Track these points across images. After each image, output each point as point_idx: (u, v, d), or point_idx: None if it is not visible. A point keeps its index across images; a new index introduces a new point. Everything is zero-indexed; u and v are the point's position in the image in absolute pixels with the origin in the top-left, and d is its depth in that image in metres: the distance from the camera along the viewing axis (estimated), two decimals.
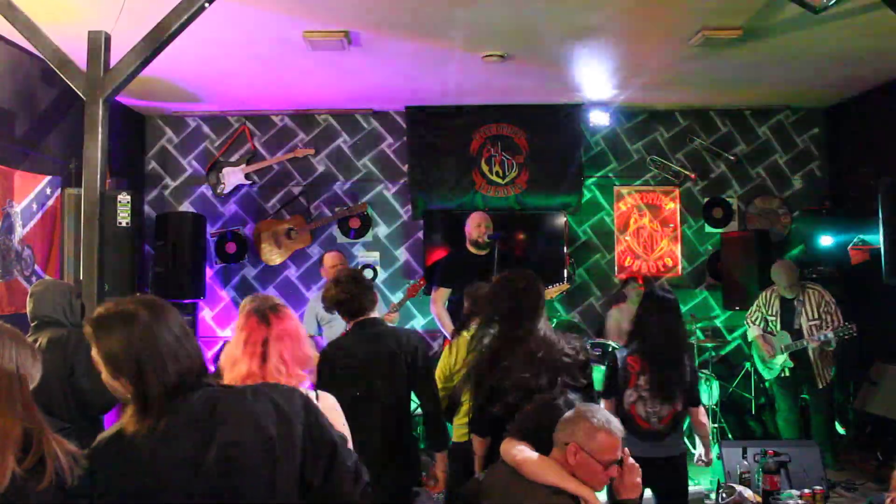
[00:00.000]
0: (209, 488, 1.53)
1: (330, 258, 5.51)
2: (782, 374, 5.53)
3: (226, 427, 1.56)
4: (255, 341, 2.21)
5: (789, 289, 5.46)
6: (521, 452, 2.33)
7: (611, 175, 6.93)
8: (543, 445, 2.36)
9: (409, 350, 3.12)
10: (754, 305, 5.70)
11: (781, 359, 5.46)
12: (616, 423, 2.33)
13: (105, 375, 1.60)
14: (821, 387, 5.44)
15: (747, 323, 5.75)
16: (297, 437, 1.60)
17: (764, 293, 5.66)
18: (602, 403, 3.36)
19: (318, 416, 1.66)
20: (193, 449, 1.54)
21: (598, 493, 2.30)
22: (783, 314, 5.50)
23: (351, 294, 3.17)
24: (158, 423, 1.55)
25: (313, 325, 5.34)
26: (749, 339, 5.84)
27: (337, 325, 5.24)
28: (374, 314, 3.23)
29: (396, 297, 6.32)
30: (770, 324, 5.57)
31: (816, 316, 5.37)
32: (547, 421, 2.39)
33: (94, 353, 1.60)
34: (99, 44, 3.53)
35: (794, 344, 5.38)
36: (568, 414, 2.37)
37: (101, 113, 3.50)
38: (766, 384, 6.48)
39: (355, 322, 3.23)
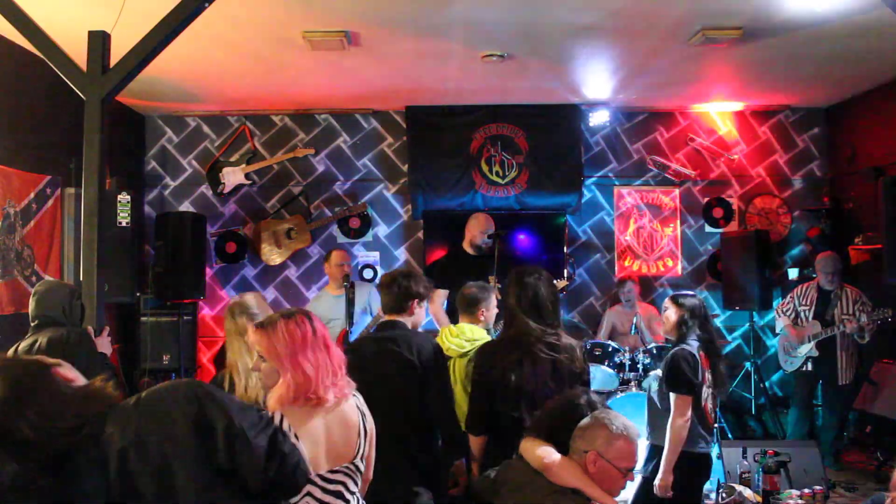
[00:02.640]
0: None
1: (337, 256, 5.53)
2: (803, 368, 5.55)
3: (118, 450, 1.51)
4: (317, 346, 2.17)
5: (830, 279, 5.51)
6: (547, 455, 2.31)
7: (611, 175, 6.93)
8: (564, 445, 2.35)
9: (423, 360, 3.06)
10: (788, 297, 5.80)
11: (806, 348, 5.49)
12: (633, 429, 2.32)
13: None
14: (841, 383, 5.45)
15: (777, 313, 5.82)
16: (182, 433, 1.55)
17: (800, 286, 5.77)
18: (681, 400, 3.33)
19: (210, 401, 1.60)
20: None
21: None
22: (818, 304, 5.57)
23: (398, 289, 3.22)
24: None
25: None
26: (777, 330, 5.91)
27: (336, 326, 5.25)
28: (403, 318, 3.20)
29: None
30: (802, 314, 5.63)
31: (851, 311, 5.42)
32: (570, 421, 2.38)
33: None
34: (99, 44, 3.53)
35: (823, 332, 5.42)
36: (585, 420, 2.35)
37: (101, 113, 3.50)
38: (768, 384, 6.49)
39: (379, 322, 3.31)
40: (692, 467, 3.36)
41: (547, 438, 2.38)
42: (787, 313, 5.72)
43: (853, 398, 5.80)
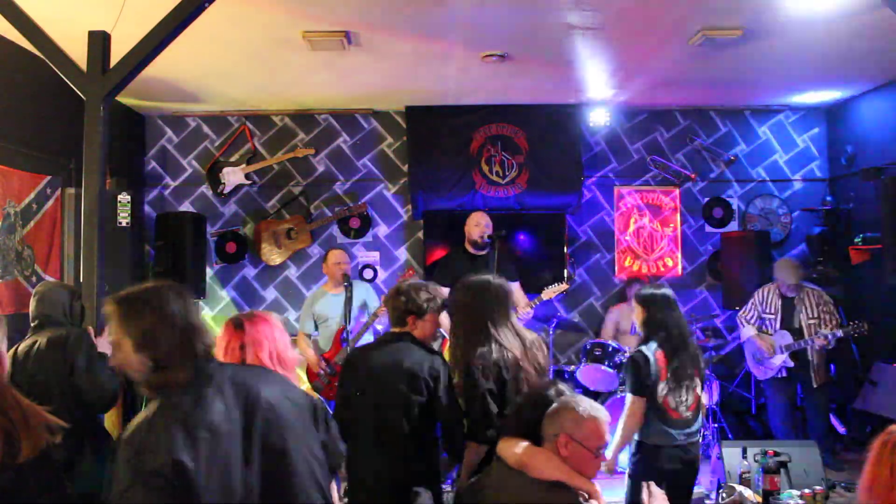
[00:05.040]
0: None
1: (335, 255, 5.51)
2: (778, 375, 5.50)
3: None
4: (234, 347, 2.44)
5: (792, 287, 5.44)
6: (523, 450, 2.32)
7: (611, 175, 6.93)
8: (539, 439, 2.36)
9: (433, 374, 3.06)
10: (749, 304, 5.67)
11: (781, 358, 5.42)
12: (601, 409, 2.36)
13: None
14: (816, 385, 5.41)
15: (741, 322, 5.71)
16: None
17: (759, 292, 5.64)
18: (631, 400, 3.53)
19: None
20: None
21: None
22: (783, 312, 5.47)
23: (393, 305, 3.22)
24: None
25: (310, 324, 5.35)
26: (742, 339, 5.79)
27: (332, 325, 5.26)
28: (407, 330, 3.19)
29: None
30: (767, 322, 5.54)
31: (816, 315, 5.36)
32: (542, 414, 2.39)
33: None
34: (99, 44, 3.52)
35: (795, 343, 5.36)
36: (552, 406, 2.38)
37: (101, 113, 3.50)
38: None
39: (386, 332, 3.29)
40: (647, 457, 3.54)
41: (522, 435, 2.39)
42: (752, 321, 5.61)
43: (830, 395, 5.77)
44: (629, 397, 3.55)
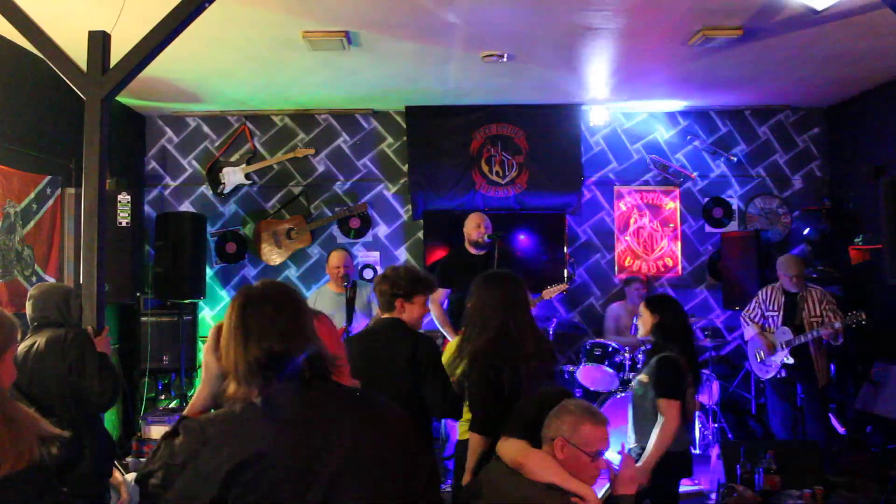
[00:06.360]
0: None
1: (335, 257, 5.50)
2: (778, 375, 5.49)
3: None
4: None
5: (796, 282, 5.42)
6: (520, 451, 2.32)
7: (611, 175, 6.93)
8: (540, 441, 2.36)
9: (419, 358, 3.07)
10: (753, 302, 5.65)
11: (781, 355, 5.41)
12: (601, 415, 2.36)
13: None
14: (819, 385, 5.38)
15: (745, 321, 5.69)
16: None
17: (763, 290, 5.63)
18: (670, 405, 3.28)
19: None
20: None
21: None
22: (786, 309, 5.44)
23: (380, 290, 3.23)
24: None
25: None
26: (746, 338, 5.78)
27: (335, 324, 5.26)
28: (395, 315, 3.20)
29: None
30: (770, 321, 5.53)
31: (819, 313, 5.34)
32: (545, 416, 2.39)
33: None
34: (99, 44, 3.52)
35: (796, 338, 5.34)
36: (553, 410, 2.38)
37: (101, 113, 3.49)
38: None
39: (379, 318, 3.31)
40: (672, 465, 3.34)
41: (522, 436, 2.39)
42: (756, 319, 5.57)
43: (830, 395, 5.75)
44: (669, 402, 3.27)
